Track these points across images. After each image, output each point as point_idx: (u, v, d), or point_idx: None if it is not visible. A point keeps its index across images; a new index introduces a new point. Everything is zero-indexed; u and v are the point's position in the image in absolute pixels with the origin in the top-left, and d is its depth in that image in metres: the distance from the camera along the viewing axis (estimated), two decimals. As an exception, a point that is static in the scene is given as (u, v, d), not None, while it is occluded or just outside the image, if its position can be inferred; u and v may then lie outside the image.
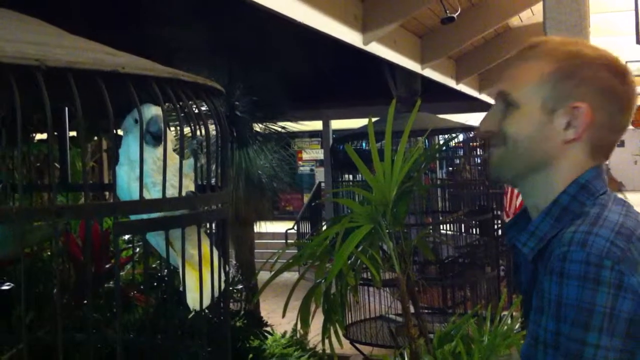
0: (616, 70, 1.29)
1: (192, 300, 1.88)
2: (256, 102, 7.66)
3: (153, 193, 1.83)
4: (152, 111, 1.86)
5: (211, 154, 1.99)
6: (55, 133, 2.98)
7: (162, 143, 1.80)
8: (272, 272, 3.16)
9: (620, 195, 1.35)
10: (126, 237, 3.80)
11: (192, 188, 1.89)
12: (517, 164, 1.31)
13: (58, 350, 1.55)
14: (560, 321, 1.14)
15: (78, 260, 3.34)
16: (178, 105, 1.81)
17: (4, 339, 2.62)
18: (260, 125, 7.99)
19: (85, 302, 3.06)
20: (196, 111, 2.01)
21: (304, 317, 3.09)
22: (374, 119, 3.36)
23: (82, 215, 1.49)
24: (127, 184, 1.86)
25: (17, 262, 2.33)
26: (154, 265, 3.73)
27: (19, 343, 2.40)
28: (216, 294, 1.93)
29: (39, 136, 5.28)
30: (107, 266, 3.49)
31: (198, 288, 1.83)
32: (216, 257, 1.96)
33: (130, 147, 1.89)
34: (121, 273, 3.51)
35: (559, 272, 1.15)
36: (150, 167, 1.84)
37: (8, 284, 2.85)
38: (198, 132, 1.96)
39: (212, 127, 2.05)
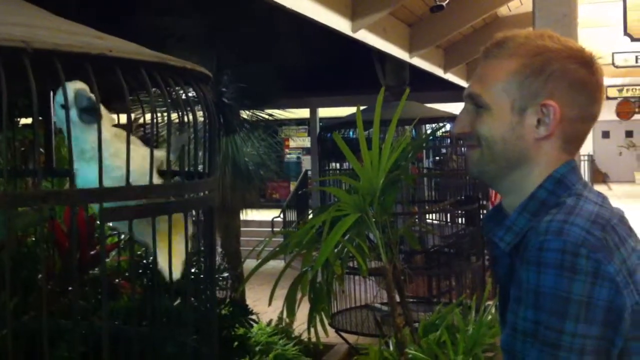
0: (583, 61, 1.29)
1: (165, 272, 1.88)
2: (244, 90, 7.62)
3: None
4: (75, 86, 1.70)
5: (198, 141, 1.97)
6: (40, 118, 2.95)
7: (99, 117, 1.67)
8: (259, 261, 3.16)
9: (605, 186, 1.35)
10: (110, 223, 3.77)
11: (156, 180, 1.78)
12: (493, 164, 1.32)
13: (43, 337, 1.53)
14: (538, 310, 1.14)
15: (63, 246, 3.32)
16: (166, 91, 1.79)
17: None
18: (248, 112, 7.95)
19: (71, 289, 3.04)
20: (184, 97, 1.99)
21: (290, 305, 3.08)
22: (362, 108, 3.35)
23: (68, 201, 1.47)
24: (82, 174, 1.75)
25: (1, 248, 2.30)
26: (139, 253, 3.72)
27: (2, 329, 2.37)
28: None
29: (24, 121, 5.23)
30: (92, 253, 3.48)
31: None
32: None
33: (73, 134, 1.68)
34: (106, 260, 3.49)
35: (536, 261, 1.16)
36: (90, 149, 1.72)
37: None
38: (185, 119, 1.93)
39: (199, 114, 2.03)
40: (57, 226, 3.35)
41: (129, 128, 1.68)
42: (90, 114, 1.71)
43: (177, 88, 1.86)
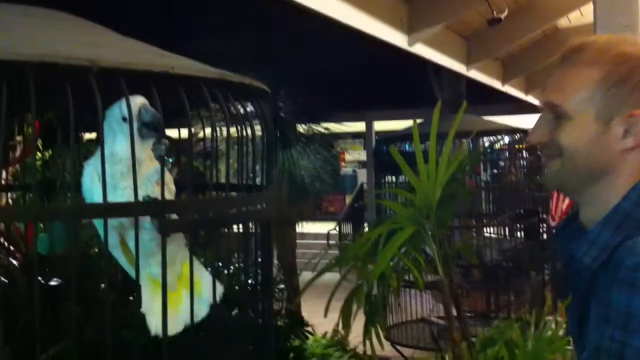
0: None
1: (155, 325, 1.75)
2: (300, 104, 7.70)
3: (114, 197, 1.67)
4: (139, 101, 1.70)
5: (256, 155, 2.00)
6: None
7: (159, 133, 1.69)
8: (315, 273, 3.17)
9: None
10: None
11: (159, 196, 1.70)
12: (576, 175, 1.28)
13: (105, 348, 1.58)
14: (628, 332, 1.11)
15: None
16: (225, 106, 1.83)
17: (52, 335, 2.68)
18: (304, 126, 8.02)
19: (132, 299, 3.11)
20: (242, 112, 2.02)
21: (346, 318, 3.09)
22: (418, 121, 3.35)
23: (130, 213, 1.52)
24: (90, 184, 1.72)
25: (66, 259, 2.38)
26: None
27: (64, 339, 2.44)
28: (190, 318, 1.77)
29: (87, 136, 5.38)
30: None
31: (161, 312, 1.68)
32: (202, 276, 1.81)
33: (116, 144, 1.72)
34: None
35: (629, 282, 1.12)
36: (120, 169, 1.70)
37: (56, 280, 2.91)
38: (244, 133, 1.97)
39: (257, 128, 2.07)
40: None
41: (191, 143, 1.73)
42: (151, 129, 1.71)
43: (235, 103, 1.90)
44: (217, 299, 1.83)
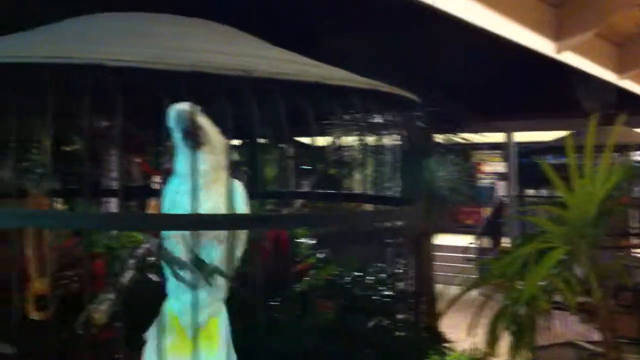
0: None
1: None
2: (438, 114, 7.56)
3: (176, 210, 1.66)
4: (177, 107, 1.66)
5: (395, 165, 1.94)
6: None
7: (201, 144, 1.66)
8: (454, 287, 3.07)
9: None
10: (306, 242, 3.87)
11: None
12: None
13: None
14: None
15: (266, 263, 3.45)
16: (374, 117, 1.79)
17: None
18: (441, 136, 7.87)
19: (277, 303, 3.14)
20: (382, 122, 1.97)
21: (491, 337, 2.96)
22: (566, 133, 3.17)
23: (283, 225, 1.50)
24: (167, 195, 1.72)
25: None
26: (336, 272, 3.77)
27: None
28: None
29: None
30: (296, 270, 3.59)
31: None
32: (223, 344, 1.73)
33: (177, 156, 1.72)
34: (305, 279, 3.57)
35: None
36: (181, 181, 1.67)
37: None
38: (384, 142, 1.91)
39: (394, 137, 2.01)
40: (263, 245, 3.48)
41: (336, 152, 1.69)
42: (188, 137, 1.68)
43: (384, 114, 1.85)
44: None
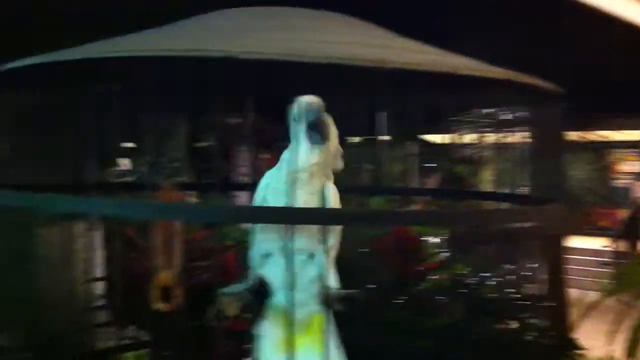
0: None
1: None
2: (571, 108, 7.23)
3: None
4: (307, 99, 1.65)
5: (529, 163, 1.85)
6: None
7: (326, 139, 1.64)
8: (594, 294, 2.92)
9: None
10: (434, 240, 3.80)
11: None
12: None
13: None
14: None
15: (389, 262, 3.42)
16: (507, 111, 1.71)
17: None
18: (575, 133, 7.53)
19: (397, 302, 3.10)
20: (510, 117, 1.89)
21: (632, 345, 2.79)
22: None
23: (413, 222, 1.46)
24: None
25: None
26: (464, 272, 3.67)
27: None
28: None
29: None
30: (419, 269, 3.53)
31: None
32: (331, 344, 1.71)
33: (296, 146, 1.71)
34: (431, 277, 3.52)
35: None
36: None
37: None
38: (509, 139, 1.83)
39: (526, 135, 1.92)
40: (382, 243, 3.44)
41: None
42: (313, 130, 1.66)
43: (523, 104, 1.76)
44: None
